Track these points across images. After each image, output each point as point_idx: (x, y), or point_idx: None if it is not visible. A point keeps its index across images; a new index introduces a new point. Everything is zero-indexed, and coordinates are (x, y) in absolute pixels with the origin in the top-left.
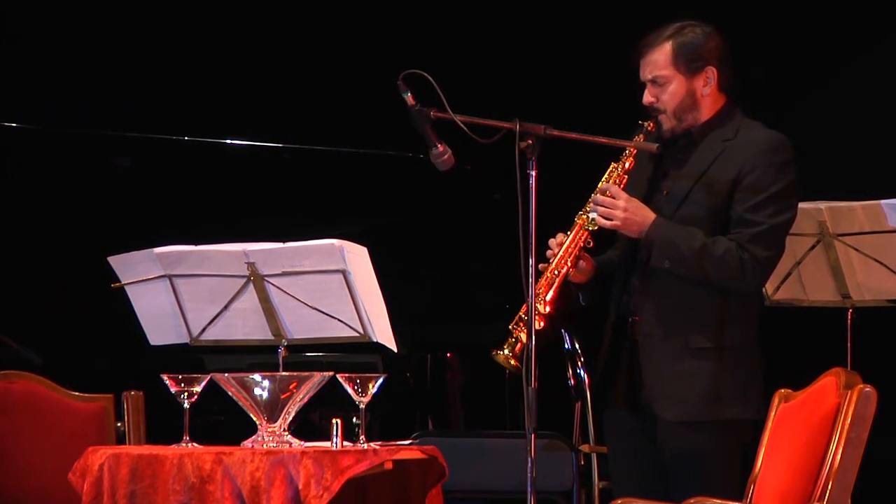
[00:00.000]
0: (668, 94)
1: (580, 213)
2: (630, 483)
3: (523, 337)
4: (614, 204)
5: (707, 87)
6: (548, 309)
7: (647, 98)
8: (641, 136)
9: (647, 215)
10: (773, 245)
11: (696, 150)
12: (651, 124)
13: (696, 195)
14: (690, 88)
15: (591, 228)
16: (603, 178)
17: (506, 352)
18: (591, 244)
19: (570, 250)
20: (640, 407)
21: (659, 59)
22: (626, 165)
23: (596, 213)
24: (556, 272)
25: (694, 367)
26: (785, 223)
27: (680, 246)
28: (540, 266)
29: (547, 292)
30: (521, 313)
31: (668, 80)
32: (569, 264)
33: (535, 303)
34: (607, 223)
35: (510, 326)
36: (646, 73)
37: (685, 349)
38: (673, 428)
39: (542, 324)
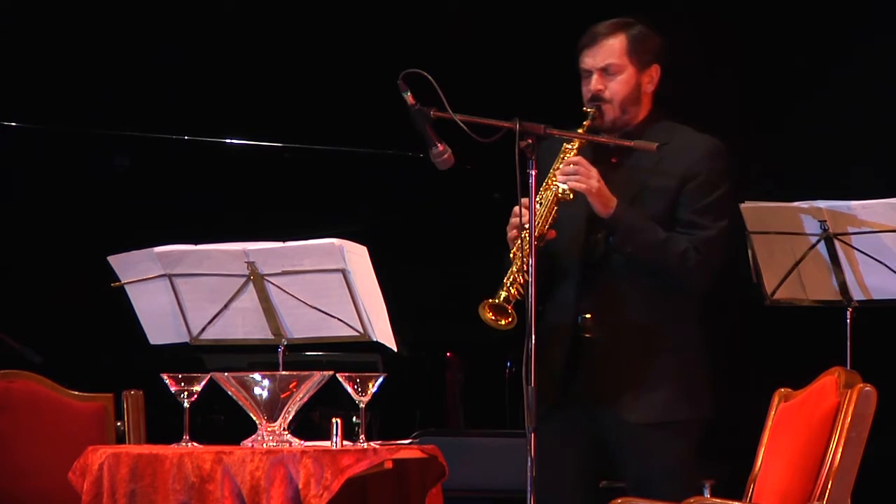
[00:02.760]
0: (619, 84)
1: (544, 186)
2: (566, 483)
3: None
4: (589, 173)
5: (650, 84)
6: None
7: (596, 86)
8: (588, 122)
9: (611, 194)
10: (719, 250)
11: (632, 155)
12: (596, 112)
13: (640, 200)
14: (638, 82)
15: (564, 198)
16: (557, 159)
17: (503, 295)
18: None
19: (546, 219)
20: (594, 408)
21: (615, 48)
22: (575, 147)
23: (566, 184)
24: (538, 239)
25: (650, 368)
26: (725, 229)
27: (646, 234)
28: (523, 233)
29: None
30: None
31: (620, 69)
32: (545, 230)
33: (523, 270)
34: (581, 186)
35: (504, 281)
36: (597, 61)
37: (640, 350)
38: (632, 429)
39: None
